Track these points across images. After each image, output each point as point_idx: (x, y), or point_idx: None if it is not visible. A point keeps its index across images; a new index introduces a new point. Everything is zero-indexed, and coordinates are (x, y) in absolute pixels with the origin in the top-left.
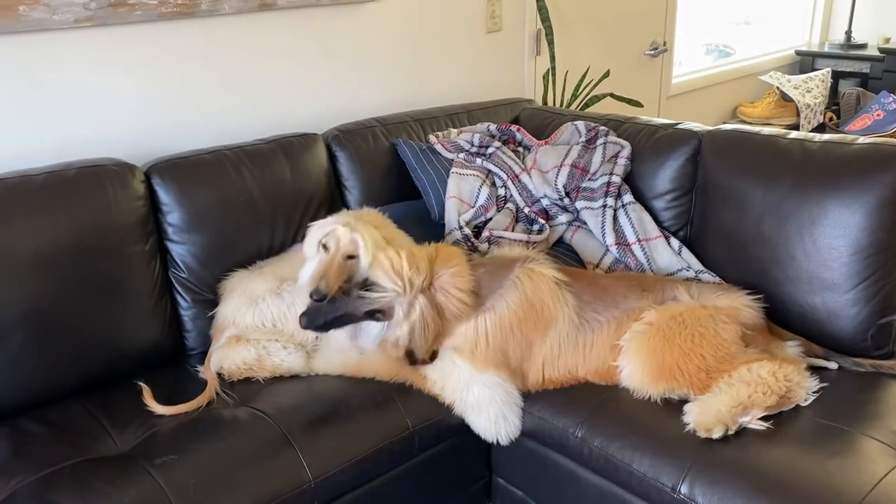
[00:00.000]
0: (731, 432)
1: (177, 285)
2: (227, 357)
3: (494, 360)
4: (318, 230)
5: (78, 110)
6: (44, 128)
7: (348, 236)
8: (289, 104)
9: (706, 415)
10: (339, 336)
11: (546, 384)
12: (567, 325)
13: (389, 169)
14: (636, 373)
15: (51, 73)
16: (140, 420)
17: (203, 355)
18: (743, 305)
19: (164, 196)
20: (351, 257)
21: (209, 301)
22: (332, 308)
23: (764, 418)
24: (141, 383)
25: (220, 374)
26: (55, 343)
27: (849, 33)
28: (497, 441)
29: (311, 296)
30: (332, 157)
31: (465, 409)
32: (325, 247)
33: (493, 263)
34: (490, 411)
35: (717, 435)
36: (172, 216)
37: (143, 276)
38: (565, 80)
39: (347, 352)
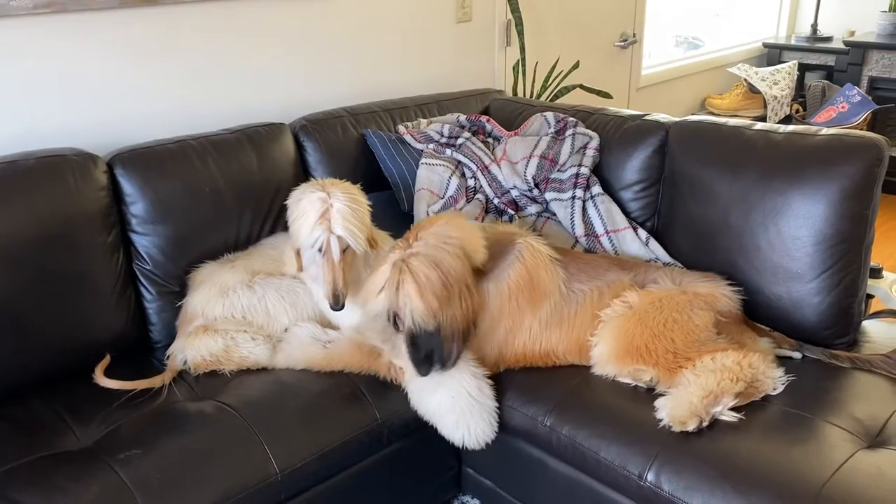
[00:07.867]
0: (704, 424)
1: (141, 277)
2: (194, 347)
3: (482, 338)
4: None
5: (38, 99)
6: (1, 116)
7: (338, 231)
8: (255, 93)
9: (679, 408)
10: (300, 330)
11: (522, 361)
12: (558, 299)
13: (358, 159)
14: (605, 350)
15: (9, 60)
16: (103, 415)
17: (168, 348)
18: (721, 294)
19: (127, 186)
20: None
21: (174, 293)
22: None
23: (735, 409)
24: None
25: (183, 370)
26: (15, 336)
27: (815, 26)
28: (464, 447)
29: (333, 308)
30: (299, 147)
31: (429, 415)
32: (319, 250)
33: (493, 234)
34: (450, 419)
35: (691, 427)
36: (136, 207)
37: (106, 268)
38: (535, 71)
39: (309, 346)
